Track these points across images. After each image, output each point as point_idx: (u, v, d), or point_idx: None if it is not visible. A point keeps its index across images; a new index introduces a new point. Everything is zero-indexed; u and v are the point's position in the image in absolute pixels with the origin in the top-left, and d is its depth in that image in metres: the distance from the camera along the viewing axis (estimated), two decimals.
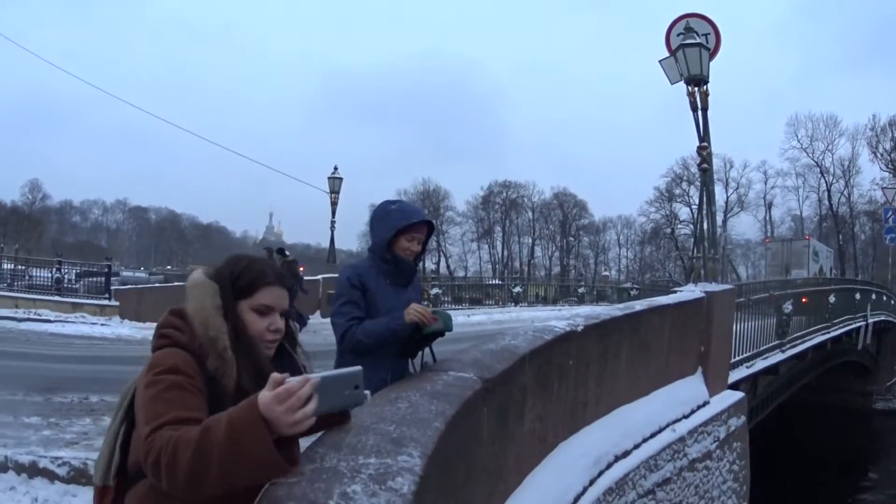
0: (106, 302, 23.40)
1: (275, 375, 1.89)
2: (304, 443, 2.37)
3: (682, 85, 11.39)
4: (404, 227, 4.24)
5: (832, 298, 18.59)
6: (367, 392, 2.01)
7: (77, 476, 7.09)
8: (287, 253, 20.95)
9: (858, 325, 21.65)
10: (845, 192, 73.58)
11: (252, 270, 2.47)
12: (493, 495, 4.46)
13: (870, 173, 71.04)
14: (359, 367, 2.00)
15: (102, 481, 2.36)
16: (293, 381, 1.88)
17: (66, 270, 25.90)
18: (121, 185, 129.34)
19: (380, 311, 4.20)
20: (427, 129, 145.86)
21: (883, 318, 26.28)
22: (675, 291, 10.32)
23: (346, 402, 1.99)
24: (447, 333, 4.20)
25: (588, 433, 6.47)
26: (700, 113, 11.29)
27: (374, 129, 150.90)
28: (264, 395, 1.84)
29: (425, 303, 4.50)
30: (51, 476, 7.11)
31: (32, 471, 7.20)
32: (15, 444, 7.86)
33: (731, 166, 77.43)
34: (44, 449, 7.66)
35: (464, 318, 23.18)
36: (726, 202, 76.47)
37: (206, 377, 2.23)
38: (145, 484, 2.12)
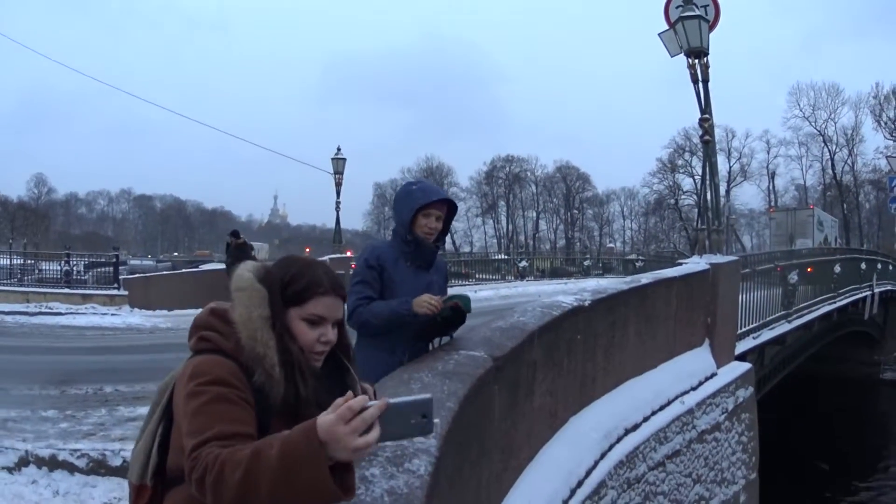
0: (115, 291, 23.56)
1: (339, 400, 1.73)
2: None
3: (682, 56, 11.41)
4: (423, 205, 4.24)
5: (837, 268, 18.55)
6: (437, 420, 1.80)
7: (96, 467, 7.15)
8: (241, 236, 21.08)
9: (864, 294, 21.59)
10: (849, 161, 73.41)
11: (305, 277, 2.28)
12: (507, 471, 4.55)
13: (873, 142, 70.83)
14: (429, 396, 1.79)
15: (139, 480, 2.28)
16: (356, 400, 1.72)
17: (75, 262, 26.05)
18: (125, 174, 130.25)
19: (397, 294, 4.18)
20: (429, 108, 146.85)
21: (889, 287, 26.19)
22: (681, 263, 10.36)
23: (411, 431, 1.78)
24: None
25: (597, 407, 6.55)
26: (701, 85, 11.28)
27: (376, 110, 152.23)
28: (326, 417, 1.70)
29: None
30: (70, 468, 7.17)
31: (52, 464, 7.26)
32: (34, 437, 7.94)
33: (734, 136, 77.47)
34: (62, 441, 7.73)
35: (471, 294, 23.18)
36: (729, 172, 76.42)
37: (254, 388, 2.10)
38: (187, 490, 2.02)
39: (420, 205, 4.23)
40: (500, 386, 4.17)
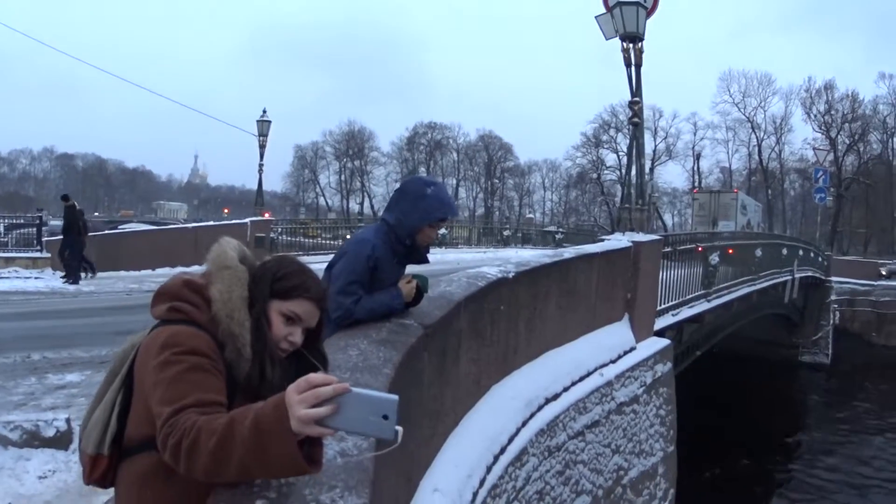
0: (38, 254, 23.05)
1: (312, 377, 1.78)
2: None
3: (614, 34, 11.64)
4: (438, 219, 4.24)
5: (759, 252, 19.07)
6: (399, 428, 1.72)
7: (29, 439, 6.94)
8: (71, 200, 20.99)
9: (785, 279, 22.28)
10: (776, 149, 75.08)
11: (297, 277, 2.38)
12: (434, 437, 4.75)
13: (802, 132, 72.54)
14: (395, 397, 1.75)
15: (97, 450, 2.31)
16: (318, 375, 1.78)
17: None
18: (49, 132, 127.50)
19: (378, 286, 4.20)
20: (352, 73, 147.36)
21: (810, 273, 27.10)
22: (603, 239, 10.60)
23: (369, 429, 1.74)
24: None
25: (519, 376, 6.81)
26: (634, 69, 11.54)
27: (298, 73, 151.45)
28: (291, 393, 1.75)
29: None
30: (4, 441, 6.92)
31: None
32: None
33: (661, 116, 78.80)
34: None
35: None
36: (654, 150, 77.93)
37: (225, 362, 2.18)
38: (148, 459, 2.14)
39: (437, 218, 4.23)
40: (429, 353, 4.34)
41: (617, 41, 11.70)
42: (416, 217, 4.17)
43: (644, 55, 11.53)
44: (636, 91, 11.52)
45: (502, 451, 5.83)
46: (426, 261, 4.43)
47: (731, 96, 75.39)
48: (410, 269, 4.49)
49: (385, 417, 1.71)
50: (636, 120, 11.67)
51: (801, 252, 25.75)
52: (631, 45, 11.43)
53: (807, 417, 23.38)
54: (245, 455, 1.78)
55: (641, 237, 10.46)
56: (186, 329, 2.17)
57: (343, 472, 2.13)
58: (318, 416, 1.71)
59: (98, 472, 2.33)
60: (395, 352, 3.55)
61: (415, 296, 4.28)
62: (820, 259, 31.12)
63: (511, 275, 6.49)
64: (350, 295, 4.08)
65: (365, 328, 3.98)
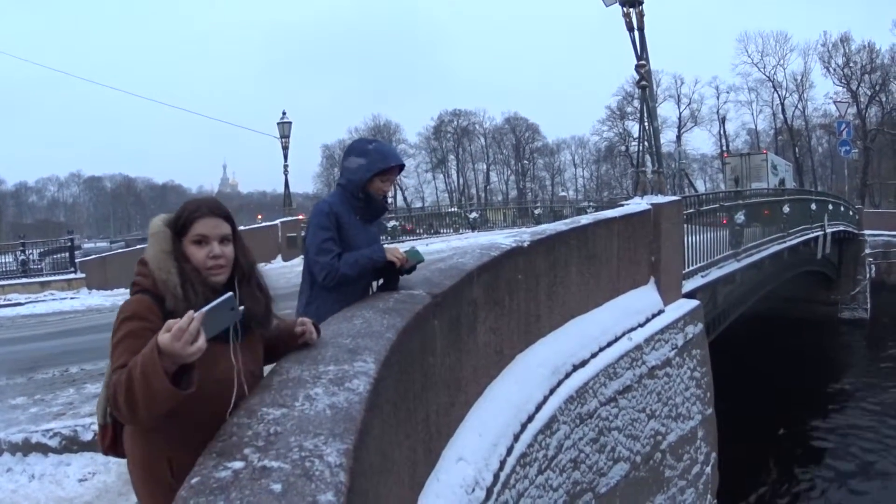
0: (72, 276, 23.59)
1: (170, 322, 2.18)
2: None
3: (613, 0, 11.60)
4: (382, 170, 4.41)
5: (786, 209, 18.80)
6: (242, 307, 2.39)
7: (69, 444, 7.08)
8: None
9: (816, 234, 21.97)
10: (799, 106, 74.14)
11: (188, 208, 2.68)
12: (455, 406, 4.75)
13: (823, 87, 71.45)
14: (230, 294, 2.37)
15: (103, 420, 2.71)
16: (182, 321, 2.16)
17: (30, 251, 25.85)
18: (73, 158, 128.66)
19: (349, 246, 4.36)
20: (372, 70, 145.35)
21: (842, 228, 26.78)
22: (623, 204, 10.55)
23: (228, 321, 2.35)
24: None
25: (544, 344, 6.78)
26: (637, 33, 11.49)
27: (320, 75, 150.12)
28: (163, 336, 2.14)
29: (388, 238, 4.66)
30: (44, 449, 7.08)
31: (26, 448, 7.16)
32: (5, 425, 7.74)
33: (682, 82, 78.11)
34: (34, 425, 7.68)
35: (423, 247, 23.30)
36: (679, 118, 77.66)
37: (167, 315, 2.41)
38: None
39: (380, 169, 4.39)
40: (441, 322, 4.36)
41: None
42: (363, 171, 4.40)
43: (656, 15, 11.53)
44: (641, 54, 11.45)
45: (530, 419, 5.81)
46: (386, 209, 4.73)
47: (749, 57, 74.52)
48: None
49: (232, 308, 2.34)
50: (644, 83, 11.64)
51: (830, 207, 25.37)
52: (632, 10, 11.37)
53: (849, 374, 23.01)
54: (141, 392, 2.15)
55: (660, 199, 10.38)
56: (133, 297, 2.56)
57: (330, 422, 2.20)
58: (202, 345, 2.17)
59: (107, 440, 2.72)
60: (399, 319, 3.59)
61: (410, 264, 4.39)
62: (851, 213, 30.73)
63: (526, 244, 6.49)
64: (327, 252, 4.30)
65: (373, 300, 4.07)
